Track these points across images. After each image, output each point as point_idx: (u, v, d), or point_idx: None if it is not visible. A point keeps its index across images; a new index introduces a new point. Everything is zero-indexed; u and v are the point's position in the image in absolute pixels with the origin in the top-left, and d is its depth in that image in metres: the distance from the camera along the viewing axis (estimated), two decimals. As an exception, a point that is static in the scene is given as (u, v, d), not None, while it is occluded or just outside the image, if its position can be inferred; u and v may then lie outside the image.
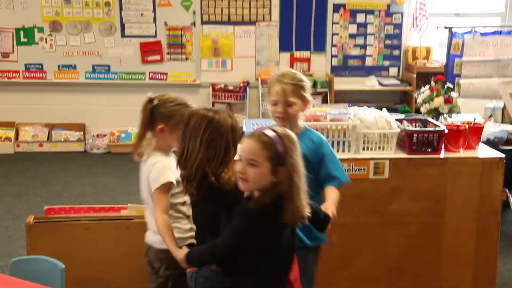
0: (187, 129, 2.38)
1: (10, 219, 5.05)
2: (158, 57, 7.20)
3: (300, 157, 2.20)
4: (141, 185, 2.66)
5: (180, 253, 2.33)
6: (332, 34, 7.26)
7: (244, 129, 3.40)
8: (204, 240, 2.33)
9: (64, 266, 2.63)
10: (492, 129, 4.94)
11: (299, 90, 2.76)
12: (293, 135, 2.22)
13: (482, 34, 5.92)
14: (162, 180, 2.49)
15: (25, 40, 7.09)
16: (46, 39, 7.09)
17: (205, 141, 2.32)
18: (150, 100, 2.66)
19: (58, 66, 7.15)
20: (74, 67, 7.17)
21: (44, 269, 2.66)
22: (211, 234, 2.29)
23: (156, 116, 2.60)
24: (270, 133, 2.19)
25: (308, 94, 2.81)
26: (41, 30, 7.07)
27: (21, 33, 7.07)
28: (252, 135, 2.22)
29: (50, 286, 2.52)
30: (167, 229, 2.44)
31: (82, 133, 7.21)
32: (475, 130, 3.52)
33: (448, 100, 3.83)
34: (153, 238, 2.63)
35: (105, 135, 7.19)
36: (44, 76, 7.16)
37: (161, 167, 2.53)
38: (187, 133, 2.37)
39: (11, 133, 7.09)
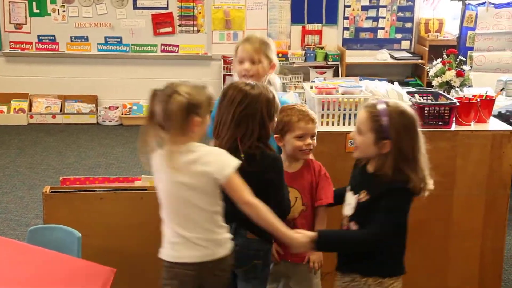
0: (223, 100, 2.45)
1: (25, 189, 5.14)
2: (169, 29, 7.20)
3: (416, 132, 2.32)
4: (171, 185, 2.32)
5: (301, 236, 2.32)
6: (344, 6, 7.21)
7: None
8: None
9: (80, 234, 2.70)
10: (504, 102, 4.93)
11: (265, 49, 2.87)
12: (408, 109, 2.32)
13: (496, 6, 5.87)
14: (233, 163, 2.27)
15: (38, 11, 7.10)
16: (58, 10, 7.10)
17: (237, 116, 2.40)
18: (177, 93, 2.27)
19: (71, 38, 7.17)
20: (87, 38, 7.19)
21: (61, 238, 2.73)
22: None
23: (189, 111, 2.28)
24: (380, 106, 2.30)
25: (274, 56, 2.89)
26: (53, 1, 7.08)
27: (34, 4, 7.08)
28: (366, 104, 2.40)
29: (67, 254, 2.59)
30: (269, 211, 2.27)
31: (94, 105, 7.26)
32: (487, 103, 3.52)
33: (460, 74, 3.81)
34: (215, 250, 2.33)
35: (117, 107, 7.24)
36: (56, 48, 7.19)
37: (221, 152, 2.31)
38: (223, 105, 2.44)
39: (25, 105, 7.15)
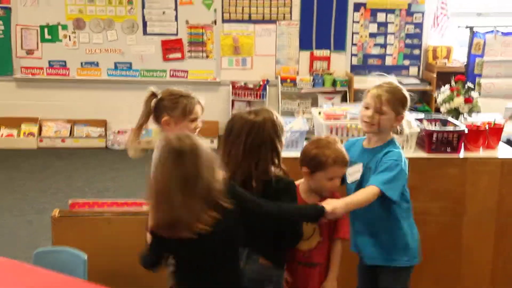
0: (230, 135, 2.46)
1: (33, 213, 5.15)
2: (179, 55, 7.27)
3: None
4: None
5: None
6: (353, 33, 7.27)
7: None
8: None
9: (86, 256, 2.70)
10: (512, 129, 4.92)
11: (395, 101, 2.72)
12: None
13: (504, 34, 5.91)
14: None
15: (49, 37, 7.20)
16: (69, 37, 7.20)
17: (248, 148, 2.41)
18: (153, 94, 2.74)
19: (81, 63, 7.26)
20: (97, 64, 7.26)
21: (67, 260, 2.73)
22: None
23: (160, 109, 2.67)
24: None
25: (404, 110, 2.75)
26: (65, 27, 7.18)
27: (45, 30, 7.18)
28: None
29: (73, 276, 2.58)
30: None
31: (103, 129, 7.30)
32: (495, 130, 3.52)
33: (468, 100, 3.82)
34: None
35: (126, 132, 7.28)
36: (67, 73, 7.27)
37: None
38: (230, 139, 2.46)
39: (35, 129, 7.21)
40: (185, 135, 2.19)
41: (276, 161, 2.46)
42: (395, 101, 2.71)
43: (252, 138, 2.41)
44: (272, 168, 2.45)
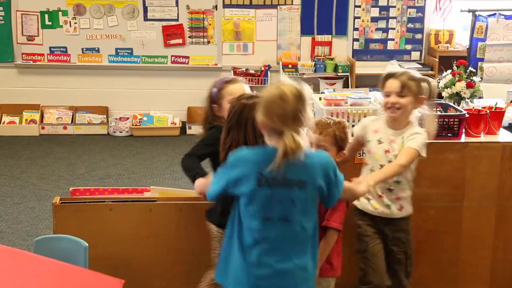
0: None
1: (35, 200, 5.16)
2: (180, 41, 7.24)
3: None
4: None
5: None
6: (354, 18, 7.23)
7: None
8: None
9: (87, 244, 2.70)
10: (514, 114, 4.90)
11: (413, 86, 2.88)
12: None
13: (507, 17, 5.85)
14: None
15: (50, 23, 7.18)
16: (70, 22, 7.18)
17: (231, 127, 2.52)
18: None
19: (82, 49, 7.24)
20: (98, 50, 7.24)
21: (68, 248, 2.73)
22: None
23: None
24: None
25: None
26: (65, 13, 7.15)
27: (46, 16, 7.16)
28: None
29: (74, 264, 2.59)
30: None
31: (105, 116, 7.30)
32: (497, 115, 3.51)
33: (470, 85, 3.80)
34: None
35: (127, 118, 7.28)
36: (68, 59, 7.25)
37: None
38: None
39: (36, 116, 7.21)
40: None
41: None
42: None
43: (236, 117, 2.46)
44: None
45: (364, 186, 2.55)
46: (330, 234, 2.70)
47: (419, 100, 2.91)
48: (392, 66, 7.03)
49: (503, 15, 5.87)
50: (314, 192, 2.22)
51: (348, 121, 3.26)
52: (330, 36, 7.25)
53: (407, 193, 2.98)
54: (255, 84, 7.16)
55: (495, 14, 5.91)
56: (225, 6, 7.16)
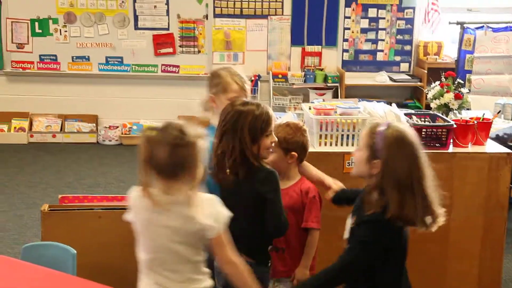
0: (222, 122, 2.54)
1: (24, 208, 5.14)
2: (170, 50, 7.26)
3: (414, 158, 2.27)
4: (162, 237, 2.16)
5: None
6: (344, 29, 7.28)
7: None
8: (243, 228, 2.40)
9: (75, 251, 2.70)
10: (501, 125, 4.96)
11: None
12: (409, 135, 2.29)
13: (494, 30, 5.92)
14: (225, 219, 2.18)
15: (40, 31, 7.17)
16: (60, 30, 7.17)
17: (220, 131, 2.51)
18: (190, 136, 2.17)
19: (72, 58, 7.23)
20: (88, 58, 7.24)
21: (56, 255, 2.72)
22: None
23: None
24: (382, 126, 2.31)
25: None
26: (55, 21, 7.14)
27: (36, 24, 7.15)
28: (372, 123, 2.41)
29: (62, 271, 2.58)
30: (248, 272, 2.21)
31: (94, 124, 7.28)
32: (484, 126, 3.55)
33: (458, 96, 3.84)
34: None
35: (117, 127, 7.27)
36: (58, 67, 7.24)
37: (217, 203, 2.20)
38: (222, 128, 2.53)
39: (25, 124, 7.18)
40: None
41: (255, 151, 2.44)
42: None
43: (231, 123, 2.45)
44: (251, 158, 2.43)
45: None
46: (312, 234, 2.78)
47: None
48: (382, 77, 7.10)
49: (491, 27, 5.94)
50: None
51: (337, 130, 3.28)
52: (320, 46, 7.29)
53: None
54: (245, 93, 7.16)
55: (483, 26, 5.98)
56: (215, 16, 7.19)
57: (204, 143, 2.14)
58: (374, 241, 2.24)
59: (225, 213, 2.17)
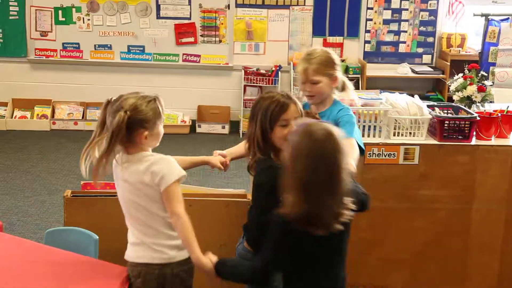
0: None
1: (46, 194, 5.20)
2: (192, 39, 7.27)
3: (313, 157, 2.06)
4: (126, 192, 2.42)
5: (207, 262, 2.26)
6: (366, 20, 7.23)
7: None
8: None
9: (97, 237, 2.72)
10: (525, 118, 4.88)
11: (323, 68, 2.77)
12: (320, 135, 2.08)
13: (519, 23, 5.83)
14: (179, 173, 2.36)
15: (63, 19, 7.23)
16: (83, 19, 7.22)
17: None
18: (125, 111, 2.43)
19: (94, 46, 7.28)
20: (110, 47, 7.28)
21: (78, 240, 2.75)
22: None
23: (134, 124, 2.41)
24: (298, 123, 2.24)
25: (335, 71, 2.82)
26: (78, 9, 7.20)
27: (60, 12, 7.21)
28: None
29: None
30: (192, 230, 2.29)
31: (116, 112, 7.32)
32: (508, 118, 3.51)
33: (481, 89, 3.80)
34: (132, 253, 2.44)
35: (138, 115, 7.30)
36: (80, 56, 7.30)
37: (170, 161, 2.40)
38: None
39: (48, 111, 7.26)
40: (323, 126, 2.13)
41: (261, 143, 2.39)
42: (322, 67, 2.76)
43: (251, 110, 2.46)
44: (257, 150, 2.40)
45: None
46: None
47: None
48: (403, 69, 7.04)
49: (516, 20, 5.85)
50: None
51: (359, 121, 3.27)
52: (341, 37, 7.26)
53: None
54: (266, 84, 7.17)
55: (508, 18, 5.89)
56: (237, 5, 7.18)
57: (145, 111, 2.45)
58: (277, 242, 2.17)
59: (177, 170, 2.35)
